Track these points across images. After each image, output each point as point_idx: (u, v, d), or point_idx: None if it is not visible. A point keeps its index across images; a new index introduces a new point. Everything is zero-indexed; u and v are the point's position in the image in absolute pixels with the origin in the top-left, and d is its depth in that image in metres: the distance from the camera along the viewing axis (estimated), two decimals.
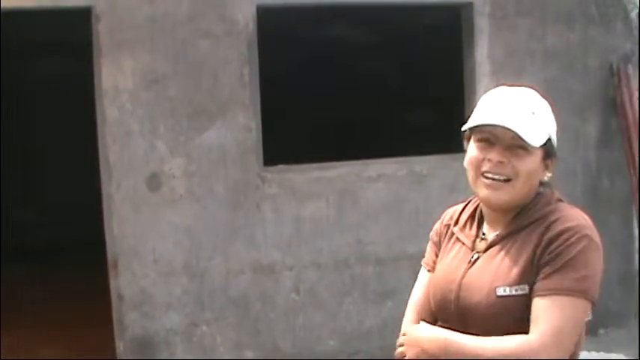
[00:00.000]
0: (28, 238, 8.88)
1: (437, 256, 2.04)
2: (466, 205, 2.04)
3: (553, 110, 1.92)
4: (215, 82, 4.54)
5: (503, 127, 1.81)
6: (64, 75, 8.51)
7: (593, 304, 1.78)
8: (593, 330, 4.90)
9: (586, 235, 1.80)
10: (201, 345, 4.56)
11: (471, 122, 1.88)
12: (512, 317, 1.79)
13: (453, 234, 2.01)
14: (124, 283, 4.44)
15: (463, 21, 5.09)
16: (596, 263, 1.79)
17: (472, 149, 1.90)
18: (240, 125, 4.58)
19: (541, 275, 1.78)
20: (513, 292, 1.79)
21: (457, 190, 4.58)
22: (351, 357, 4.80)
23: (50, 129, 9.27)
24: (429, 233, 2.12)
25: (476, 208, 2.00)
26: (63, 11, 4.44)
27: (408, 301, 2.07)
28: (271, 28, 4.88)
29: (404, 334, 1.97)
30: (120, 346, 4.49)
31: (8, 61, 8.03)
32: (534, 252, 1.81)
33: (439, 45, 6.65)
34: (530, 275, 1.80)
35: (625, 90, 5.17)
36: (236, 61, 4.56)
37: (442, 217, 2.09)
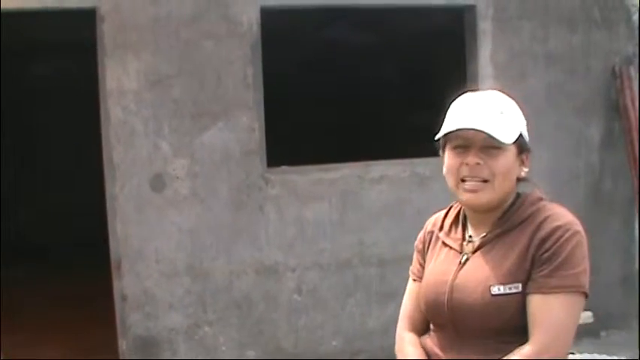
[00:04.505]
0: (29, 238, 8.89)
1: (420, 265, 2.08)
2: (448, 211, 2.07)
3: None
4: (219, 83, 4.56)
5: (474, 129, 1.85)
6: (68, 76, 8.53)
7: (587, 296, 1.84)
8: (594, 332, 4.91)
9: (577, 232, 1.85)
10: (204, 345, 4.58)
11: (442, 130, 1.93)
12: (506, 316, 1.82)
13: (438, 239, 2.04)
14: (127, 283, 4.46)
15: (466, 23, 5.10)
16: (587, 257, 1.86)
17: (449, 157, 1.95)
18: (244, 126, 4.60)
19: (539, 273, 1.81)
20: (507, 291, 1.82)
21: None
22: (354, 357, 4.81)
23: (53, 130, 9.28)
24: None
25: (458, 212, 2.03)
26: (67, 12, 4.46)
27: (400, 311, 2.09)
28: (275, 30, 4.89)
29: None
30: (123, 346, 4.50)
31: (11, 61, 8.05)
32: (526, 251, 1.84)
33: (442, 47, 6.66)
34: (522, 274, 1.83)
35: (627, 92, 5.18)
36: (240, 62, 4.58)
37: (425, 226, 2.12)
